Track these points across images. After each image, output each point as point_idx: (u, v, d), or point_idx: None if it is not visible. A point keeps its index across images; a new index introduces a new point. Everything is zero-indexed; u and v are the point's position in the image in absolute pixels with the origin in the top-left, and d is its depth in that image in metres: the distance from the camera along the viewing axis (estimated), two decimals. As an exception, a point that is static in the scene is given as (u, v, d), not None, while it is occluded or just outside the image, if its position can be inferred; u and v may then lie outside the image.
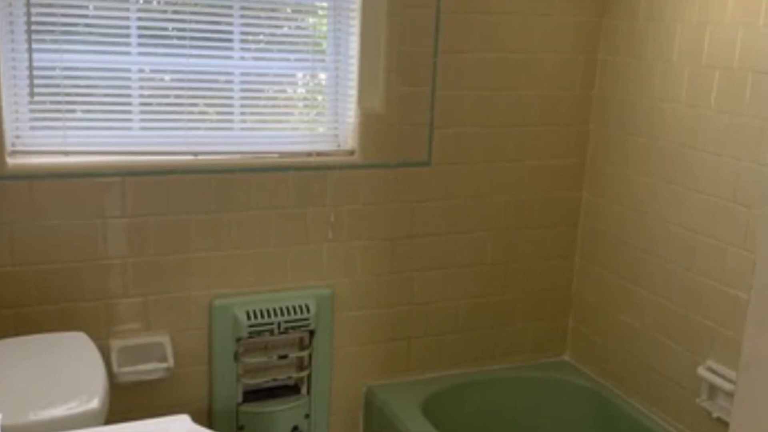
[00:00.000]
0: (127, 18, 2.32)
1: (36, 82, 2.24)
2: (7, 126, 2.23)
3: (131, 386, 2.44)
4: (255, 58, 2.50)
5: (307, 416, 2.70)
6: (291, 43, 2.54)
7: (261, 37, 2.51)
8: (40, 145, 2.30)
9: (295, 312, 2.56)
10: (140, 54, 2.35)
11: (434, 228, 2.79)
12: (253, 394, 2.64)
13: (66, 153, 2.31)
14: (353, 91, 2.59)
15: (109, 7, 2.29)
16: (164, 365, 2.41)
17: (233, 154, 2.50)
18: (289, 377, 2.69)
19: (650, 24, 2.64)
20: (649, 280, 2.69)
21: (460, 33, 2.66)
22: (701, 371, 2.45)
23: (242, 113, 2.51)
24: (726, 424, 2.33)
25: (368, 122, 2.61)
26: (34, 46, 2.22)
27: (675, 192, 2.57)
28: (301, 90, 2.64)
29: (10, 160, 2.24)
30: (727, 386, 2.34)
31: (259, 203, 2.53)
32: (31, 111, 2.27)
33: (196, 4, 2.38)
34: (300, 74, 2.59)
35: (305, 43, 2.56)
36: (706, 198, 2.45)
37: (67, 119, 2.31)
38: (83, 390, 1.89)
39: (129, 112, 2.38)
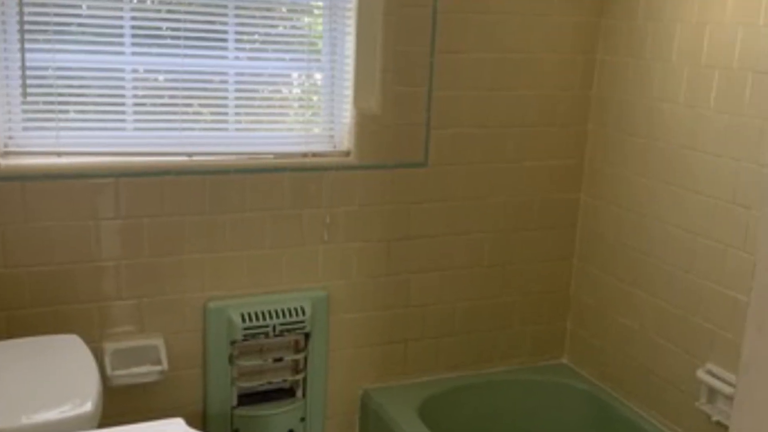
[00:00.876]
0: (121, 18, 2.30)
1: (29, 82, 2.23)
2: (0, 127, 2.21)
3: (125, 389, 2.42)
4: (250, 58, 2.49)
5: (303, 420, 2.68)
6: (286, 42, 2.52)
7: (256, 36, 2.49)
8: (33, 145, 2.28)
9: (290, 314, 2.54)
10: (134, 54, 2.33)
11: (431, 229, 2.77)
12: (248, 398, 2.62)
13: (59, 154, 2.29)
14: (349, 92, 2.57)
15: (103, 6, 2.28)
16: (158, 368, 2.39)
17: (228, 154, 2.48)
18: (285, 380, 2.67)
19: (649, 24, 2.63)
20: (648, 282, 2.67)
21: (458, 33, 2.64)
22: (700, 374, 2.43)
23: (237, 114, 2.50)
24: (725, 428, 2.31)
25: (364, 123, 2.59)
26: (27, 45, 2.20)
27: (674, 193, 2.55)
28: (296, 90, 2.62)
29: (3, 161, 2.23)
30: (727, 389, 2.32)
31: (254, 204, 2.51)
32: (24, 111, 2.26)
33: (190, 4, 2.36)
34: (295, 74, 2.58)
35: (300, 43, 2.54)
36: (705, 199, 2.43)
37: (60, 120, 2.29)
38: (76, 393, 1.87)
39: (123, 112, 2.36)
